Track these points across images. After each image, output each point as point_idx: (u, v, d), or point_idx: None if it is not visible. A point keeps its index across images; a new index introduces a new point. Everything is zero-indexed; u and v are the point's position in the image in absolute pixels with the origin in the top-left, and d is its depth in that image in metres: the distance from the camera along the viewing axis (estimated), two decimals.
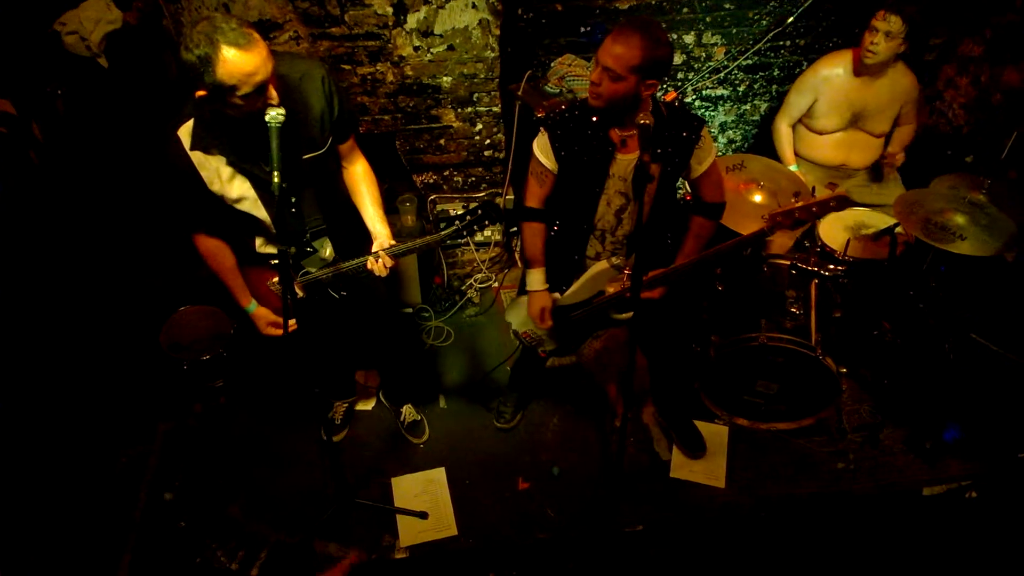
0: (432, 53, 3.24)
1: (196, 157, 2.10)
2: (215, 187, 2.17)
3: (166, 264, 3.46)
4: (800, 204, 2.28)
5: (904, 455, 3.17)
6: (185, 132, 2.09)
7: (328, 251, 2.48)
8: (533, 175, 2.51)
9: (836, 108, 3.40)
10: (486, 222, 2.28)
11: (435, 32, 3.18)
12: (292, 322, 2.31)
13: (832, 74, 3.36)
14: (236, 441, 3.28)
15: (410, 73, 3.29)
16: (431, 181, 3.67)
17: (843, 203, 2.26)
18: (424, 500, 3.04)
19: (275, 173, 1.94)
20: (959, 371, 3.13)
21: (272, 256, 2.46)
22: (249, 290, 2.51)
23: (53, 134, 3.07)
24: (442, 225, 2.25)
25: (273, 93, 1.97)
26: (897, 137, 3.54)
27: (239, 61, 1.84)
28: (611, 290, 2.63)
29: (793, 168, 3.52)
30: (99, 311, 3.28)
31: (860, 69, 3.29)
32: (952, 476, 3.09)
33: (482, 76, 3.33)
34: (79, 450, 3.10)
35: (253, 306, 2.51)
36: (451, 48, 3.23)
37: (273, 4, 3.04)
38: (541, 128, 2.42)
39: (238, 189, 2.20)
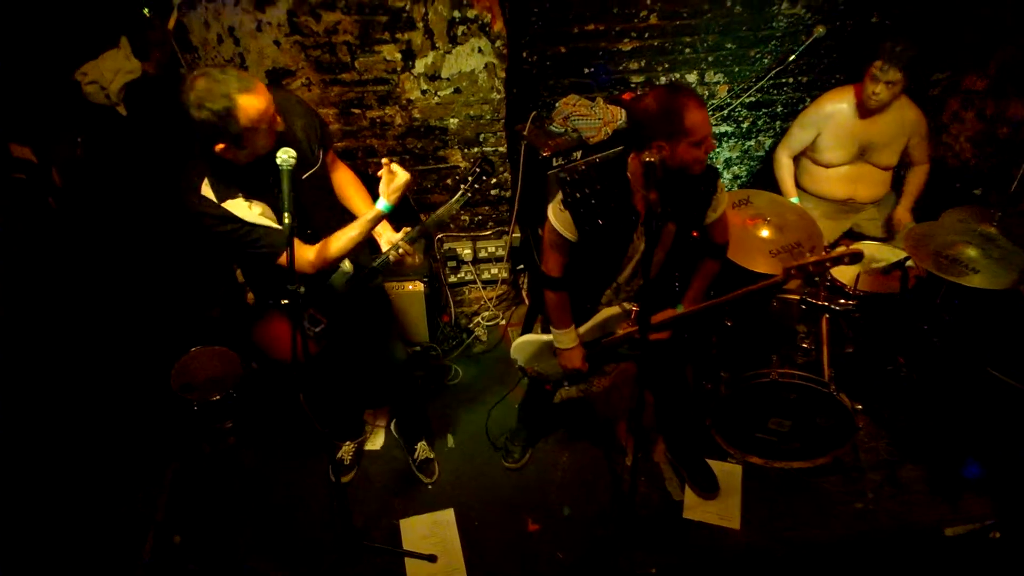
0: (439, 96, 3.31)
1: (226, 206, 2.20)
2: (251, 219, 2.25)
3: (178, 305, 3.50)
4: (814, 258, 2.31)
5: (924, 494, 3.08)
6: (207, 190, 2.19)
7: (347, 264, 2.55)
8: (554, 247, 2.45)
9: (842, 142, 3.42)
10: (484, 178, 2.29)
11: (442, 76, 3.25)
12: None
13: (836, 110, 3.40)
14: (245, 482, 3.27)
15: (418, 116, 3.36)
16: None
17: (856, 258, 2.28)
18: (433, 542, 3.00)
19: (286, 214, 2.00)
20: (977, 407, 3.07)
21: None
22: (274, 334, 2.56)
23: (72, 180, 3.15)
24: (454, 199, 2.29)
25: (279, 120, 2.10)
26: (911, 181, 3.54)
27: (255, 103, 1.98)
28: (621, 331, 2.63)
29: (794, 200, 3.53)
30: (112, 352, 3.31)
31: (864, 107, 3.32)
32: (974, 516, 3.00)
33: (488, 117, 3.40)
34: (88, 491, 3.10)
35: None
36: (458, 91, 3.30)
37: (286, 53, 3.14)
38: (561, 205, 2.35)
39: (269, 219, 2.28)
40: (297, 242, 2.32)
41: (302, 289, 2.20)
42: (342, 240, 2.32)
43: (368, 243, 2.54)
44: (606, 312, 2.59)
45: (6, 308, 2.82)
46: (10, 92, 2.94)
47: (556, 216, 2.38)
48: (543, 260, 2.54)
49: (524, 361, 2.85)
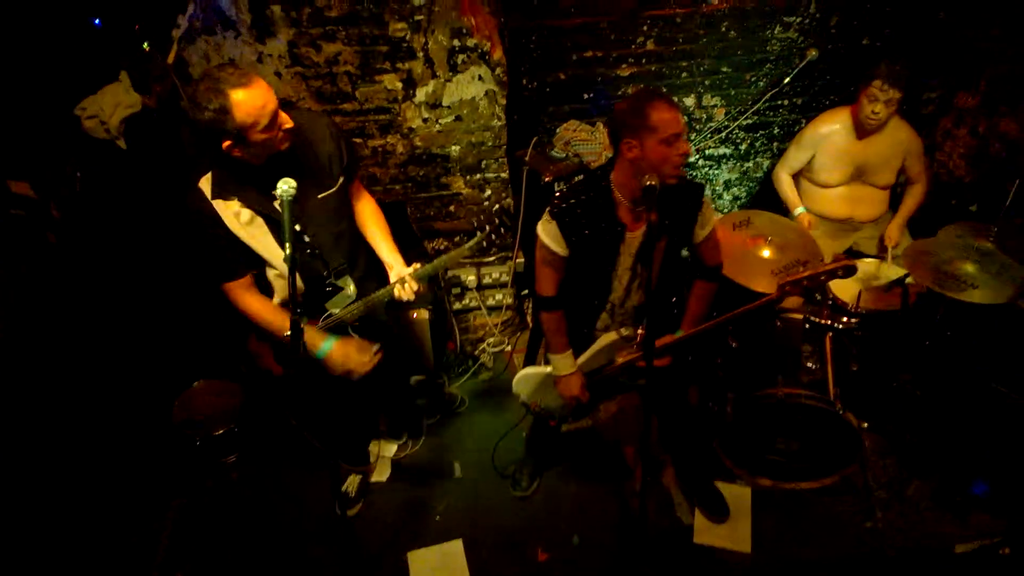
0: (440, 124, 3.33)
1: (217, 204, 2.22)
2: (235, 230, 2.26)
3: (180, 339, 3.47)
4: (807, 272, 2.34)
5: (933, 511, 3.08)
6: (205, 182, 2.22)
7: (351, 288, 2.54)
8: (545, 264, 2.47)
9: (837, 163, 3.46)
10: (502, 229, 2.38)
11: (443, 104, 3.27)
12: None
13: (830, 131, 3.44)
14: (248, 517, 3.22)
15: (419, 144, 3.37)
16: (442, 247, 3.71)
17: (849, 271, 2.31)
18: (442, 575, 2.96)
19: (287, 244, 1.98)
20: (983, 422, 3.08)
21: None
22: (264, 351, 2.56)
23: (71, 214, 3.13)
24: (466, 239, 2.36)
25: (285, 117, 2.12)
26: (908, 199, 3.58)
27: (249, 99, 2.01)
28: (620, 359, 2.63)
29: (800, 210, 3.57)
30: (114, 386, 3.27)
31: (859, 128, 3.37)
32: (984, 532, 2.99)
33: (489, 144, 3.41)
34: (91, 527, 3.05)
35: (328, 344, 2.44)
36: (459, 119, 3.32)
37: (288, 84, 3.15)
38: (548, 217, 2.38)
39: (257, 233, 2.28)
40: (245, 282, 2.38)
41: (305, 320, 2.20)
42: (269, 322, 2.39)
43: (378, 272, 2.56)
44: (605, 339, 2.58)
45: (8, 342, 2.80)
46: (8, 128, 2.93)
47: (544, 229, 2.40)
48: (536, 281, 2.54)
49: (527, 395, 2.84)
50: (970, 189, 3.82)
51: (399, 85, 3.20)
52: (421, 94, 3.23)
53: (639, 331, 2.65)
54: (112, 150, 3.16)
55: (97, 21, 3.06)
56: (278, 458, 3.41)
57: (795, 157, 3.58)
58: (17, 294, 2.89)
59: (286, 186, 1.99)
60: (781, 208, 3.70)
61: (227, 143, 2.07)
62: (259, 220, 2.27)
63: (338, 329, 2.54)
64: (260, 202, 2.25)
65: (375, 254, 2.60)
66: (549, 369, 2.68)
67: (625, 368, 2.65)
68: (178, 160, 3.30)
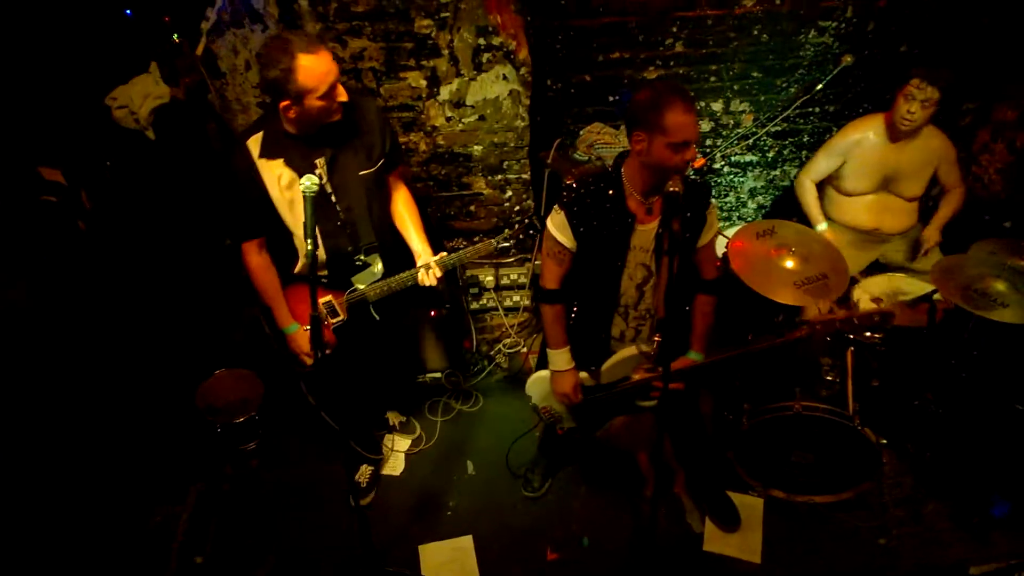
0: (464, 123, 3.32)
1: (260, 164, 2.37)
2: (274, 192, 2.39)
3: (204, 328, 3.53)
4: (843, 315, 2.35)
5: (949, 531, 3.04)
6: (254, 142, 2.38)
7: (379, 267, 2.66)
8: (551, 256, 2.47)
9: (866, 171, 3.38)
10: (531, 231, 2.48)
11: (467, 103, 3.26)
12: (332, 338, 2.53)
13: (863, 137, 3.35)
14: (266, 504, 3.29)
15: (442, 142, 3.37)
16: (460, 246, 3.71)
17: (887, 319, 2.31)
18: (451, 569, 3.00)
19: (308, 242, 2.06)
20: (1005, 443, 3.02)
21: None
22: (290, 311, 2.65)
23: (101, 203, 3.20)
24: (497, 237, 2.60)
25: (342, 90, 2.25)
26: (945, 204, 3.48)
27: (314, 64, 2.15)
28: (636, 377, 2.61)
29: (823, 226, 3.49)
30: (138, 373, 3.35)
31: (892, 134, 3.28)
32: (1001, 554, 2.95)
33: (512, 145, 3.40)
34: (113, 510, 3.13)
35: (294, 327, 2.63)
36: (482, 118, 3.31)
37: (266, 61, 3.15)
38: (557, 208, 2.38)
39: (295, 198, 2.40)
40: (259, 242, 2.54)
41: (325, 274, 2.35)
42: (263, 287, 2.59)
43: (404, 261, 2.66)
44: (625, 352, 2.58)
45: (36, 327, 2.87)
46: (41, 116, 2.99)
47: (552, 220, 2.39)
48: (541, 273, 2.56)
49: (539, 398, 2.84)
50: (1005, 205, 3.71)
51: (423, 83, 3.20)
52: (445, 92, 3.23)
53: (656, 341, 2.63)
54: (141, 140, 3.21)
55: (129, 12, 3.10)
56: (297, 447, 3.47)
57: (823, 164, 3.49)
58: (47, 279, 2.96)
59: (308, 182, 2.05)
60: (804, 214, 3.63)
61: (285, 103, 2.20)
62: (295, 188, 2.36)
63: (359, 307, 2.63)
64: (304, 167, 2.34)
65: (403, 244, 2.69)
66: None
67: (641, 386, 2.63)
68: (205, 152, 3.35)
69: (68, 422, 2.99)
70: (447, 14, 3.03)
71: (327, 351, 2.61)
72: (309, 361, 2.67)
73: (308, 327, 2.49)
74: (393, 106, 3.26)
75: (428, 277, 2.53)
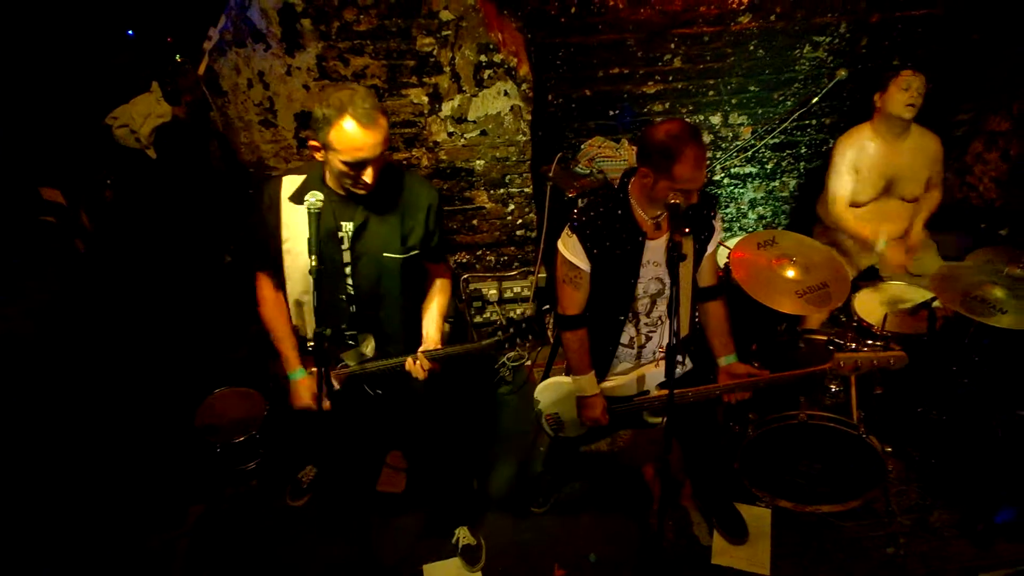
0: (466, 138, 3.34)
1: (285, 205, 2.28)
2: (285, 234, 2.30)
3: (205, 346, 3.51)
4: (864, 355, 2.41)
5: (956, 539, 3.03)
6: (290, 181, 2.30)
7: (370, 348, 2.52)
8: (568, 282, 2.45)
9: (872, 179, 3.40)
10: (529, 336, 2.33)
11: (469, 119, 3.29)
12: (327, 404, 2.30)
13: (860, 149, 3.38)
14: (267, 525, 3.24)
15: (444, 157, 3.39)
16: (464, 260, 3.73)
17: (900, 362, 2.38)
18: None
19: (312, 257, 2.06)
20: (1009, 450, 3.03)
21: (309, 340, 2.49)
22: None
23: (100, 222, 3.18)
24: (488, 334, 2.37)
25: (370, 175, 2.12)
26: (923, 205, 3.53)
27: (351, 135, 2.04)
28: (656, 392, 2.61)
29: (882, 245, 3.41)
30: (138, 392, 3.31)
31: (888, 134, 3.32)
32: (1007, 560, 2.94)
33: (514, 159, 3.42)
34: (111, 532, 3.08)
35: (299, 373, 2.50)
36: (484, 133, 3.33)
37: (315, 97, 3.18)
38: (568, 231, 2.38)
39: (303, 254, 2.26)
40: (271, 277, 2.44)
41: (328, 331, 2.21)
42: (270, 320, 2.48)
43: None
44: (644, 370, 2.59)
45: (35, 346, 2.84)
46: (42, 136, 2.98)
47: (565, 243, 2.40)
48: (559, 300, 2.53)
49: (546, 405, 2.82)
50: (1001, 213, 3.77)
51: (425, 99, 3.22)
52: (447, 108, 3.25)
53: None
54: (142, 159, 3.21)
55: (131, 32, 3.12)
56: (298, 467, 3.43)
57: (843, 186, 3.46)
58: (45, 299, 2.94)
59: (313, 198, 2.09)
60: (808, 228, 3.65)
61: (314, 143, 2.13)
62: (303, 242, 2.22)
63: (352, 381, 2.52)
64: (327, 222, 2.25)
65: (407, 334, 2.55)
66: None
67: (657, 402, 2.63)
68: (206, 170, 3.35)
69: (66, 441, 2.95)
70: (448, 32, 3.07)
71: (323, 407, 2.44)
72: (312, 405, 2.51)
73: (312, 370, 2.48)
74: (395, 122, 3.28)
75: (415, 368, 2.38)
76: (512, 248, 3.73)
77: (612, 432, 3.32)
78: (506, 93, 3.23)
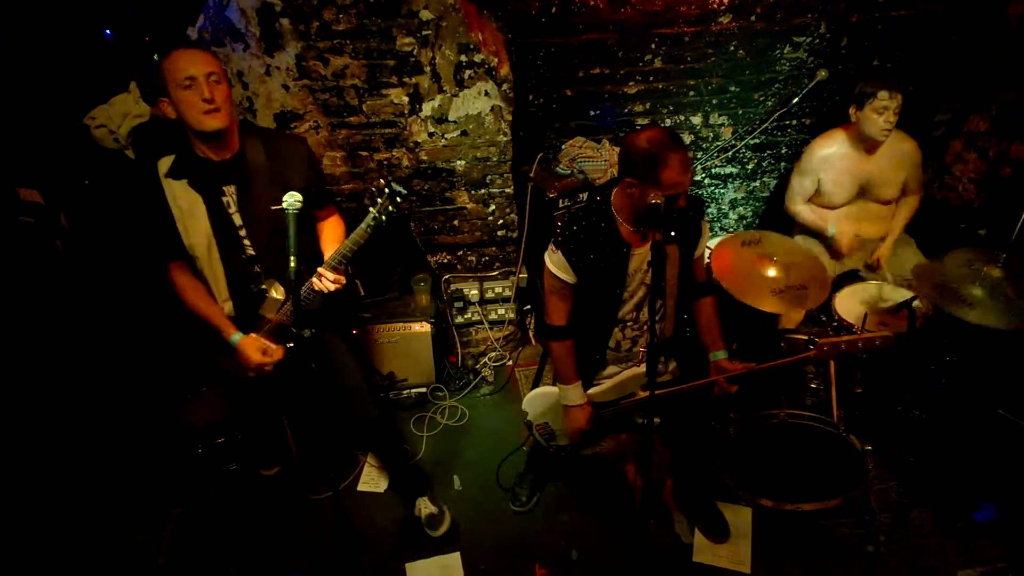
0: (446, 139, 3.34)
1: (166, 183, 2.40)
2: (175, 212, 2.41)
3: (185, 348, 3.48)
4: (847, 338, 2.41)
5: (936, 536, 3.04)
6: (164, 162, 2.41)
7: (278, 292, 2.61)
8: (555, 293, 2.49)
9: (843, 183, 3.44)
10: (397, 198, 2.39)
11: (449, 119, 3.28)
12: (280, 349, 2.52)
13: (832, 153, 3.42)
14: (248, 526, 3.23)
15: (425, 158, 3.39)
16: (445, 261, 3.72)
17: (887, 343, 2.37)
18: None
19: (292, 258, 2.08)
20: (987, 448, 3.04)
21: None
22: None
23: (79, 222, 3.16)
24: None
25: (218, 93, 2.28)
26: (901, 211, 3.56)
27: (179, 56, 2.24)
28: (643, 394, 2.62)
29: (832, 231, 3.52)
30: (118, 394, 3.29)
31: (864, 146, 3.35)
32: (987, 558, 2.96)
33: (495, 159, 3.42)
34: (90, 535, 3.06)
35: (238, 336, 2.56)
36: (464, 133, 3.33)
37: (295, 96, 3.17)
38: (553, 247, 2.42)
39: (191, 219, 2.42)
40: (182, 264, 2.52)
41: (307, 333, 2.23)
42: (197, 306, 2.55)
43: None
44: (631, 372, 2.59)
45: (12, 348, 2.82)
46: (19, 136, 2.96)
47: (551, 259, 2.43)
48: (545, 310, 2.55)
49: (535, 415, 2.83)
50: (980, 213, 3.79)
51: (406, 99, 3.22)
52: (427, 108, 3.25)
53: (671, 367, 2.69)
54: (120, 159, 3.19)
55: (108, 32, 3.09)
56: (279, 468, 3.42)
57: (802, 185, 3.55)
58: (23, 300, 2.91)
59: (292, 199, 2.12)
60: (789, 230, 3.68)
61: (163, 99, 2.29)
62: (200, 208, 2.40)
63: (282, 334, 2.61)
64: (211, 192, 2.40)
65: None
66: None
67: (644, 401, 2.63)
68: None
69: (44, 445, 2.93)
70: (429, 32, 3.06)
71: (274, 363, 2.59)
72: (266, 359, 2.57)
73: (255, 333, 2.58)
74: (376, 122, 3.27)
75: (322, 283, 2.47)
76: (493, 248, 3.72)
77: (603, 437, 3.32)
78: (487, 93, 3.23)
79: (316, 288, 2.50)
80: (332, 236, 2.72)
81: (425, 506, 3.13)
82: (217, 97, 2.27)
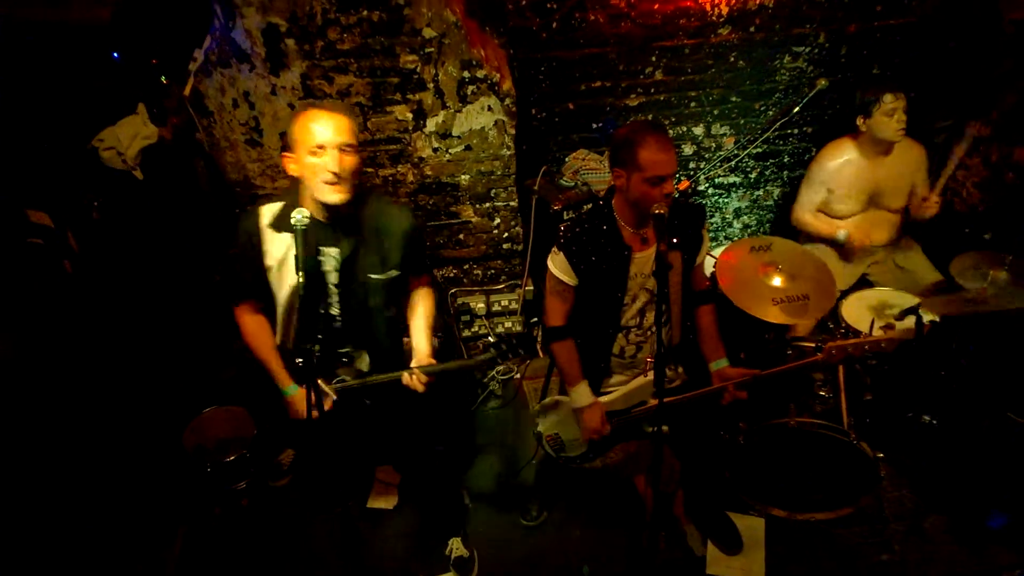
0: (451, 154, 3.37)
1: (266, 233, 2.31)
2: (268, 261, 2.32)
3: (193, 366, 3.50)
4: (854, 341, 2.41)
5: (950, 544, 3.01)
6: (269, 210, 2.31)
7: (365, 364, 2.57)
8: (555, 294, 2.51)
9: (852, 193, 3.42)
10: (520, 351, 2.30)
11: (453, 134, 3.31)
12: (315, 413, 2.28)
13: (841, 163, 3.40)
14: (257, 545, 3.21)
15: (430, 173, 3.41)
16: (451, 275, 3.73)
17: (892, 344, 2.39)
18: None
19: (300, 274, 2.04)
20: (999, 453, 3.02)
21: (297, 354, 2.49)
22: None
23: (88, 244, 3.19)
24: (480, 350, 2.37)
25: (345, 161, 2.16)
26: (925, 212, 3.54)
27: (314, 116, 2.13)
28: (653, 402, 2.61)
29: (843, 233, 3.48)
30: (127, 412, 3.30)
31: (873, 152, 3.34)
32: (1001, 566, 2.92)
33: (499, 173, 3.44)
34: (99, 554, 3.05)
35: (292, 388, 2.52)
36: (469, 148, 3.36)
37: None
38: (556, 249, 2.44)
39: (289, 276, 2.33)
40: (251, 306, 2.45)
41: (316, 348, 2.23)
42: (256, 349, 2.47)
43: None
44: (640, 380, 2.59)
45: (22, 368, 2.83)
46: (28, 158, 2.99)
47: (553, 261, 2.46)
48: (545, 311, 2.57)
49: (546, 427, 2.82)
50: (984, 218, 3.79)
51: (410, 116, 3.25)
52: (431, 124, 3.28)
53: (679, 372, 2.69)
54: (129, 180, 3.22)
55: (116, 55, 3.14)
56: (288, 485, 3.41)
57: (809, 198, 3.52)
58: (33, 320, 2.93)
59: (299, 215, 2.07)
60: (796, 238, 3.66)
61: (286, 154, 2.19)
62: (289, 264, 2.30)
63: (348, 394, 2.53)
64: (306, 250, 2.23)
65: (399, 347, 2.63)
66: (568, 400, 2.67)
67: (655, 410, 2.62)
68: (192, 191, 3.36)
69: (54, 463, 2.93)
70: (432, 49, 3.10)
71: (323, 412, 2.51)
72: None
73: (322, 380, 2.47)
74: (380, 139, 3.30)
75: (412, 381, 2.38)
76: (499, 262, 3.74)
77: (614, 446, 3.30)
78: (490, 108, 3.26)
79: (404, 382, 2.39)
80: (421, 306, 2.60)
81: (457, 548, 3.07)
82: (345, 170, 2.16)
